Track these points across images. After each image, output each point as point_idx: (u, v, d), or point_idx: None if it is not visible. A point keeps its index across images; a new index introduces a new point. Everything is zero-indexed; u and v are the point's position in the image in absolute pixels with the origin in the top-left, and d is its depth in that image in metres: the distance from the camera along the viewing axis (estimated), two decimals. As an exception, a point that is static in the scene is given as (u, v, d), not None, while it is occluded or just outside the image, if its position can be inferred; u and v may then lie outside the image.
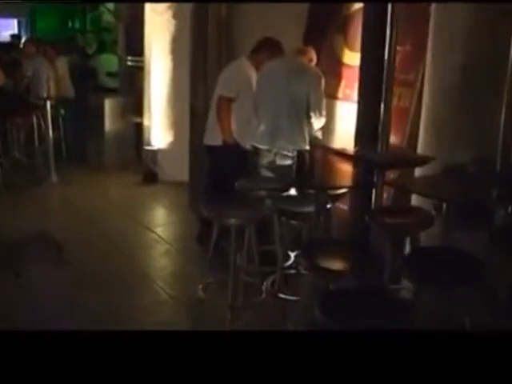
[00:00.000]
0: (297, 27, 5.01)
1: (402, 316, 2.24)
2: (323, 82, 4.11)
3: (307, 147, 4.05)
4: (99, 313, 3.50)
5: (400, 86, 3.90)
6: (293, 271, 3.85)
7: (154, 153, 6.73)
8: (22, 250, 4.37)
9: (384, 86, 3.37)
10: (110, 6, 9.49)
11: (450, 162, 3.33)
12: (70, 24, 11.81)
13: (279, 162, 4.05)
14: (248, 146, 4.26)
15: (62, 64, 7.71)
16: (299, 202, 3.63)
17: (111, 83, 8.50)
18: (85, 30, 11.13)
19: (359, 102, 3.76)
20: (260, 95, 4.21)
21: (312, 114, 4.05)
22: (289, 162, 3.98)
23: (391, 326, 2.04)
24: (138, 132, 7.22)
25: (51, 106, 6.81)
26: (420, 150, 3.64)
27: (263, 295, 3.66)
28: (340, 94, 4.66)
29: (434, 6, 3.59)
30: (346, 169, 3.58)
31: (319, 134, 4.24)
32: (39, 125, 6.99)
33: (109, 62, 8.78)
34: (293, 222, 3.80)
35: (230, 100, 4.35)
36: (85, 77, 8.25)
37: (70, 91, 7.64)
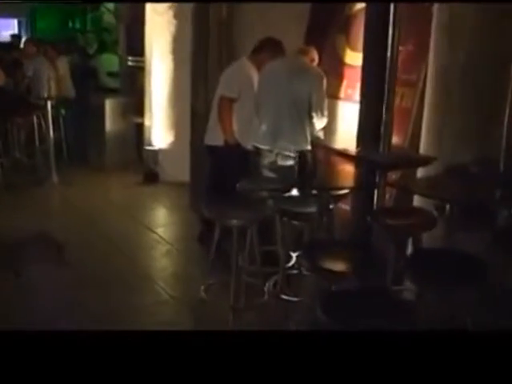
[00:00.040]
0: (298, 27, 5.00)
1: (405, 317, 2.23)
2: (325, 81, 4.09)
3: (309, 147, 4.04)
4: (100, 313, 3.50)
5: (402, 86, 3.89)
6: (295, 272, 3.84)
7: (155, 153, 6.72)
8: (22, 250, 4.38)
9: (386, 86, 3.35)
10: (111, 6, 9.49)
11: (452, 162, 3.32)
12: (70, 24, 11.82)
13: (281, 162, 4.03)
14: (249, 147, 4.25)
15: (63, 64, 7.71)
16: (301, 203, 3.61)
17: (112, 83, 8.49)
18: (85, 30, 11.14)
19: (361, 103, 3.75)
20: (261, 95, 4.20)
21: (314, 114, 4.04)
22: (290, 162, 3.97)
23: (393, 327, 2.03)
24: (139, 132, 7.21)
25: (52, 106, 6.80)
26: (422, 150, 3.63)
27: (265, 296, 3.65)
28: (342, 94, 4.65)
29: (436, 5, 3.58)
30: (348, 169, 3.57)
31: (321, 134, 4.23)
32: (40, 125, 6.99)
33: (109, 62, 8.78)
34: (295, 222, 3.79)
35: (232, 100, 4.34)
36: (85, 77, 8.25)
37: (70, 91, 7.63)
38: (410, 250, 3.25)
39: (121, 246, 4.83)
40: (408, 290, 3.17)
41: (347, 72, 4.64)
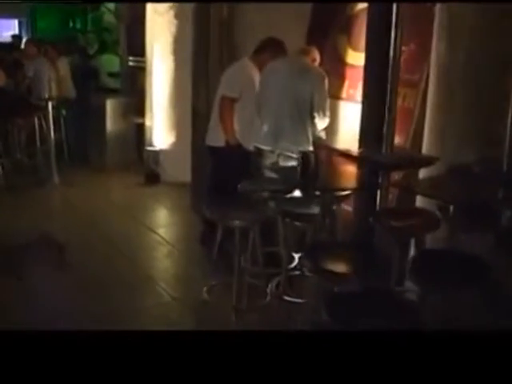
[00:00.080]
0: (299, 27, 4.99)
1: (408, 318, 2.22)
2: (327, 82, 4.08)
3: (311, 148, 4.03)
4: (101, 315, 3.49)
5: (404, 87, 3.88)
6: (297, 273, 3.83)
7: (156, 153, 6.71)
8: (23, 251, 4.37)
9: (389, 87, 3.34)
10: (111, 6, 9.47)
11: (455, 162, 3.31)
12: (70, 24, 11.80)
13: (282, 162, 4.02)
14: (251, 147, 4.24)
15: (64, 64, 7.71)
16: (303, 204, 3.61)
17: (113, 83, 8.50)
18: (86, 30, 11.11)
19: (363, 103, 3.74)
20: (263, 95, 4.19)
21: (316, 115, 4.03)
22: (292, 162, 3.96)
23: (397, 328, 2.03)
24: (140, 132, 7.19)
25: (53, 107, 6.80)
26: (425, 150, 3.61)
27: (268, 297, 3.64)
28: (343, 94, 4.64)
29: (438, 5, 3.57)
30: (351, 170, 3.56)
31: (323, 135, 4.22)
32: (41, 125, 6.98)
33: (110, 62, 8.78)
34: (297, 223, 3.78)
35: (233, 100, 4.33)
36: (86, 77, 8.24)
37: (71, 92, 7.63)
38: (413, 251, 3.24)
39: (122, 247, 4.81)
40: (411, 291, 3.15)
41: (349, 72, 4.62)
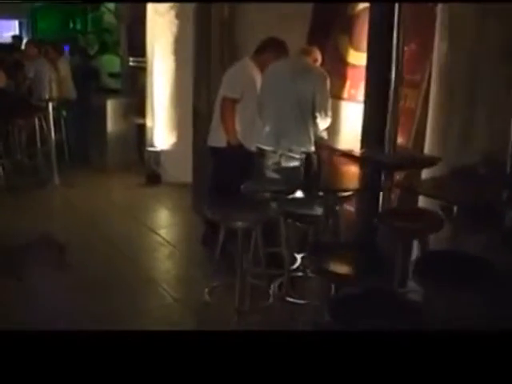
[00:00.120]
0: (300, 27, 4.97)
1: (412, 319, 2.22)
2: (328, 82, 4.08)
3: (313, 148, 4.03)
4: (102, 317, 3.47)
5: (406, 87, 3.86)
6: (300, 274, 3.82)
7: (157, 154, 6.70)
8: (24, 252, 4.36)
9: (391, 86, 3.33)
10: (111, 6, 9.47)
11: (457, 162, 3.30)
12: (71, 25, 11.80)
13: (284, 163, 4.02)
14: (252, 148, 4.23)
15: (64, 65, 7.70)
16: (306, 205, 3.59)
17: (113, 84, 8.48)
18: (86, 30, 11.12)
19: (365, 103, 3.72)
20: (265, 96, 4.18)
21: (317, 115, 4.02)
22: (294, 163, 3.95)
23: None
24: (141, 133, 7.18)
25: (53, 108, 6.78)
26: (427, 150, 3.60)
27: (270, 298, 3.62)
28: (345, 95, 4.62)
29: (440, 5, 3.56)
30: (353, 170, 3.55)
31: (325, 135, 4.21)
32: (41, 126, 6.98)
33: (111, 62, 8.76)
34: (299, 224, 3.76)
35: (234, 101, 4.32)
36: (87, 78, 8.23)
37: (72, 92, 7.62)
38: (416, 251, 3.23)
39: (123, 248, 4.80)
40: (415, 291, 3.14)
41: (350, 72, 4.61)
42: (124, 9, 8.38)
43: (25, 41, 8.92)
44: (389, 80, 3.36)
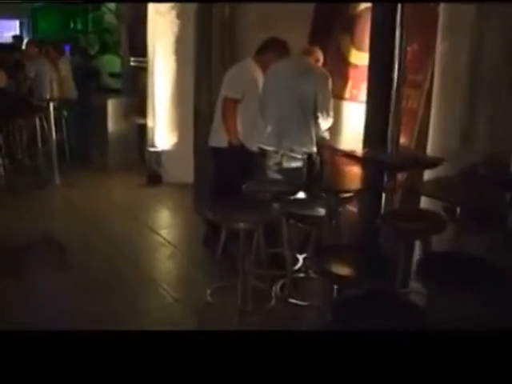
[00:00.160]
0: (302, 27, 4.96)
1: (414, 320, 2.21)
2: (330, 82, 4.06)
3: (314, 148, 4.01)
4: (102, 317, 3.46)
5: (408, 87, 3.85)
6: (302, 275, 3.81)
7: (158, 154, 6.69)
8: (24, 252, 4.36)
9: (394, 86, 3.31)
10: (112, 6, 9.46)
11: (460, 163, 3.28)
12: (71, 25, 11.80)
13: (286, 163, 4.01)
14: (254, 148, 4.22)
15: (65, 65, 7.69)
16: (308, 205, 3.58)
17: (114, 84, 8.48)
18: (87, 30, 11.11)
19: (368, 103, 3.70)
20: (266, 96, 4.17)
21: (319, 115, 4.01)
22: (296, 163, 3.95)
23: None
24: (142, 133, 7.17)
25: (54, 108, 6.76)
26: (429, 151, 3.59)
27: (273, 300, 3.61)
28: (347, 95, 4.61)
29: (442, 5, 3.55)
30: (356, 171, 3.54)
31: (326, 135, 4.20)
32: (42, 126, 6.97)
33: (111, 62, 8.76)
34: (301, 225, 3.75)
35: (236, 101, 4.30)
36: (87, 78, 8.23)
37: (72, 92, 7.61)
38: (419, 252, 3.21)
39: (124, 248, 4.79)
40: (418, 292, 3.13)
41: (352, 72, 4.59)
42: (125, 9, 8.38)
43: (25, 41, 8.90)
44: (391, 80, 3.35)
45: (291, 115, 4.02)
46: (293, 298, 3.63)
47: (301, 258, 3.96)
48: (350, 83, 4.60)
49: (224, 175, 4.42)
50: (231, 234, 3.45)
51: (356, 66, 4.54)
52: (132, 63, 7.99)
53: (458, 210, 3.00)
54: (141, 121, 7.12)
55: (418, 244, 3.31)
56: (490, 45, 3.30)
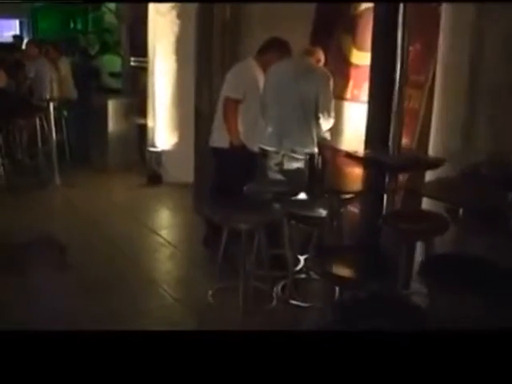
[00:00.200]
0: (303, 27, 4.95)
1: (415, 321, 2.20)
2: (332, 82, 4.05)
3: (315, 149, 4.00)
4: (102, 316, 3.45)
5: (410, 88, 3.83)
6: (303, 276, 3.79)
7: (159, 154, 6.68)
8: (24, 252, 4.35)
9: (396, 87, 3.30)
10: (112, 6, 9.45)
11: (462, 163, 3.27)
12: (71, 24, 11.79)
13: (287, 164, 4.00)
14: (255, 148, 4.21)
15: (65, 65, 7.68)
16: (309, 206, 3.57)
17: (114, 84, 8.47)
18: (87, 30, 11.10)
19: (369, 103, 3.69)
20: (267, 96, 4.16)
21: (320, 115, 4.00)
22: (297, 163, 3.94)
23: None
24: (142, 133, 7.16)
25: (54, 108, 6.75)
26: (431, 151, 3.58)
27: (274, 301, 3.60)
28: (348, 95, 4.59)
29: (444, 5, 3.54)
30: (357, 172, 3.52)
31: (327, 135, 4.19)
32: (42, 126, 6.97)
33: (111, 62, 8.75)
34: (302, 226, 3.74)
35: (237, 101, 4.29)
36: (87, 77, 8.22)
37: (72, 92, 7.60)
38: (421, 253, 3.20)
39: (124, 249, 4.78)
40: (419, 293, 3.12)
41: (353, 72, 4.58)
42: (125, 9, 8.36)
43: (25, 40, 8.89)
44: (393, 80, 3.34)
45: (292, 115, 4.01)
46: (294, 299, 3.62)
47: (302, 258, 3.95)
48: (351, 83, 4.59)
49: (225, 175, 4.40)
50: (232, 234, 3.44)
51: (357, 66, 4.53)
52: (132, 63, 7.98)
53: (461, 210, 2.99)
54: (141, 121, 7.12)
55: (419, 245, 3.29)
56: (492, 44, 3.29)
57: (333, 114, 4.05)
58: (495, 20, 3.30)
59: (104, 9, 9.99)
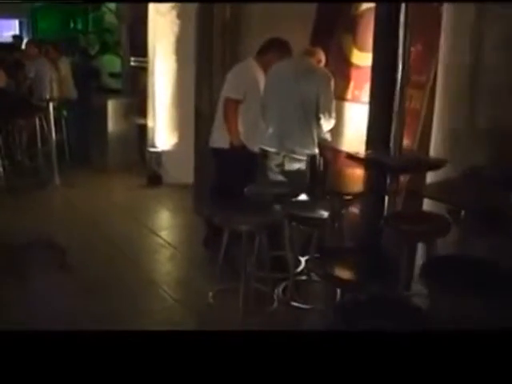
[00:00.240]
0: (304, 27, 4.94)
1: (416, 322, 2.19)
2: (332, 82, 4.04)
3: (316, 150, 3.99)
4: (102, 317, 3.44)
5: (411, 88, 3.82)
6: (304, 277, 3.78)
7: (159, 155, 6.67)
8: (24, 252, 4.34)
9: (397, 87, 3.29)
10: (112, 6, 9.44)
11: (464, 164, 3.26)
12: (71, 24, 11.77)
13: (287, 164, 3.99)
14: (255, 149, 4.20)
15: (65, 65, 7.67)
16: (310, 207, 3.56)
17: (114, 84, 8.46)
18: (87, 30, 11.09)
19: (371, 104, 3.68)
20: (268, 97, 4.15)
21: (321, 116, 3.99)
22: (297, 164, 3.92)
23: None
24: (142, 134, 7.16)
25: (54, 108, 6.75)
26: (432, 152, 3.57)
27: (275, 303, 3.58)
28: (349, 95, 4.58)
29: (445, 5, 3.53)
30: (358, 173, 3.51)
31: (328, 136, 4.18)
32: (42, 126, 6.96)
33: (111, 62, 8.74)
34: (303, 227, 3.73)
35: (237, 102, 4.28)
36: (87, 77, 8.21)
37: (72, 92, 7.59)
38: (423, 255, 3.19)
39: (124, 249, 4.77)
40: (421, 295, 3.11)
41: (354, 72, 4.57)
42: (125, 9, 8.36)
43: (25, 40, 8.88)
44: (394, 80, 3.32)
45: (293, 116, 4.00)
46: (295, 300, 3.61)
47: (303, 260, 3.94)
48: (352, 84, 4.58)
49: (225, 176, 4.39)
50: (232, 235, 3.43)
51: (358, 67, 4.52)
52: (132, 63, 7.97)
53: (463, 212, 2.98)
54: (141, 121, 7.11)
55: (421, 246, 3.28)
56: (493, 44, 3.28)
57: (334, 114, 4.04)
58: (496, 20, 3.29)
59: (104, 9, 9.97)
